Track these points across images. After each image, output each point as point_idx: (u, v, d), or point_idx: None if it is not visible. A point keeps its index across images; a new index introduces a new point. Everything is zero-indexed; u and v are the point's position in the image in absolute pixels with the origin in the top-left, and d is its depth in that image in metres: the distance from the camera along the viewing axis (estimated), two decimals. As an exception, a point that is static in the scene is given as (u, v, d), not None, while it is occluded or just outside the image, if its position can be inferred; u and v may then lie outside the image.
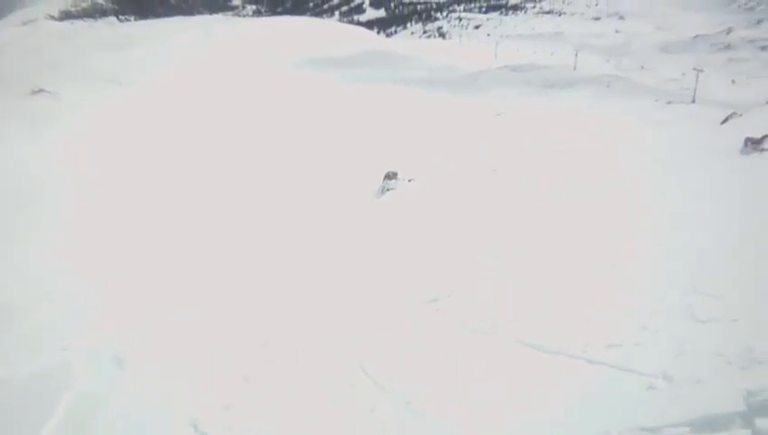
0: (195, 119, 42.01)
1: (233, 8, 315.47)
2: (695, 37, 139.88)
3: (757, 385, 5.80)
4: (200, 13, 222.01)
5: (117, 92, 51.32)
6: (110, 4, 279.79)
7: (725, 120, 28.77)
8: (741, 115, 28.38)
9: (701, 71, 51.37)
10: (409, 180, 23.33)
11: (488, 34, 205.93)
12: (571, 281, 10.03)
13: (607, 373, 6.99)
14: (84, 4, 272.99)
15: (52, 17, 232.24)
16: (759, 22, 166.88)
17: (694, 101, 44.89)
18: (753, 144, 19.16)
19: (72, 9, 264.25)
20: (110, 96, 48.98)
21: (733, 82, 58.91)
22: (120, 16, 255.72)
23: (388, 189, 22.85)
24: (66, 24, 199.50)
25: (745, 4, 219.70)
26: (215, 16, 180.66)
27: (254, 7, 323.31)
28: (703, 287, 8.58)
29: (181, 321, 10.86)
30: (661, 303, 8.45)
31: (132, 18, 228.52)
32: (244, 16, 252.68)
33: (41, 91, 46.94)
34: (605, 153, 23.31)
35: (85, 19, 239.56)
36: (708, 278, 8.95)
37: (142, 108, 45.01)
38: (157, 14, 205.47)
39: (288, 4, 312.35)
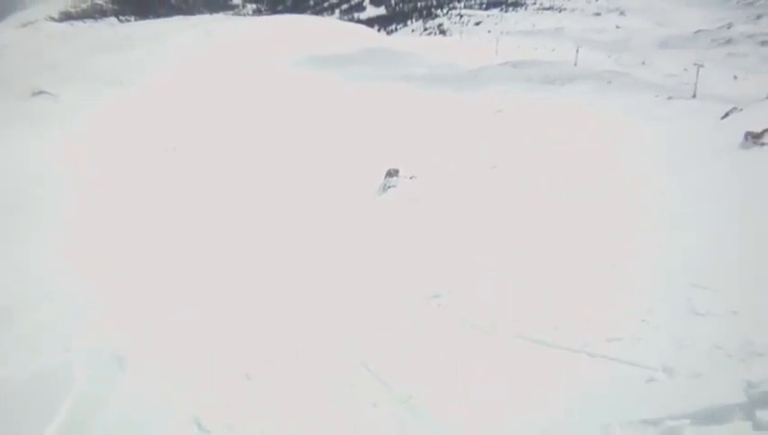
0: (196, 119, 42.07)
1: (233, 7, 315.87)
2: (695, 32, 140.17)
3: (757, 377, 5.82)
4: (200, 12, 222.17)
5: (117, 94, 51.28)
6: (110, 5, 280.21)
7: (726, 115, 28.74)
8: (741, 110, 28.36)
9: (702, 66, 51.36)
10: (411, 178, 23.38)
11: (489, 31, 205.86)
12: (571, 279, 10.04)
13: (607, 367, 7.00)
14: (84, 5, 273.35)
15: (53, 19, 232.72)
16: (759, 17, 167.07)
17: (694, 97, 44.87)
18: (753, 138, 19.17)
19: (72, 10, 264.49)
20: (111, 97, 48.97)
21: (735, 77, 58.94)
22: (121, 17, 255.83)
23: (389, 187, 22.91)
24: (66, 25, 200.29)
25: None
26: (215, 16, 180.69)
27: (254, 6, 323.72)
28: (703, 283, 8.58)
29: (181, 321, 10.84)
30: (661, 299, 8.46)
31: (132, 19, 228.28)
32: (245, 15, 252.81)
33: (41, 92, 46.98)
34: (605, 153, 23.32)
35: (85, 20, 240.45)
36: (708, 274, 8.96)
37: (143, 109, 45.05)
38: (157, 15, 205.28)
39: (288, 3, 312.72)
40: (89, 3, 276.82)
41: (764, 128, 19.12)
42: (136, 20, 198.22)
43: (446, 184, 21.81)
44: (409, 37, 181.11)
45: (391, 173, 23.77)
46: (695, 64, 52.99)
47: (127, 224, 19.38)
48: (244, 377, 8.61)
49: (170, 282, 13.51)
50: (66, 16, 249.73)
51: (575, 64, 69.65)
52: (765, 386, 5.66)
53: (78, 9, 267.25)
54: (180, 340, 10.03)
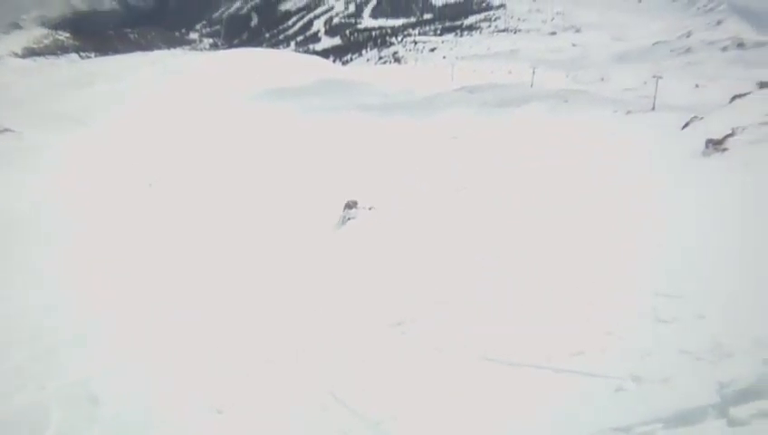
0: (155, 157, 41.97)
1: (190, 42, 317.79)
2: (654, 44, 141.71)
3: (728, 377, 5.84)
4: (159, 48, 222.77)
5: (81, 132, 51.28)
6: (72, 41, 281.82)
7: (686, 125, 29.04)
8: (701, 118, 28.66)
9: (660, 78, 51.84)
10: (369, 208, 23.38)
11: (444, 57, 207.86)
12: (534, 296, 10.05)
13: (575, 381, 6.95)
14: (47, 41, 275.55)
15: (16, 54, 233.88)
16: (719, 23, 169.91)
17: (654, 109, 45.26)
18: (713, 145, 19.37)
19: (35, 46, 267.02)
20: (74, 136, 49.00)
21: (696, 85, 59.51)
22: (81, 53, 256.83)
23: (348, 219, 22.92)
24: (29, 61, 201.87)
25: (705, 5, 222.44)
26: (173, 51, 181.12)
27: (210, 40, 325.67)
28: (669, 291, 8.63)
29: (148, 362, 10.67)
30: (630, 310, 8.48)
31: (93, 55, 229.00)
32: (202, 50, 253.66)
33: (6, 130, 46.94)
34: (566, 171, 23.43)
35: (47, 56, 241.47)
36: (675, 282, 9.03)
37: (105, 148, 45.03)
38: (116, 50, 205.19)
39: (244, 36, 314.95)
40: (51, 39, 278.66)
41: (725, 133, 19.34)
42: (96, 56, 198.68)
43: (404, 213, 21.81)
44: (365, 66, 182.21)
45: (350, 205, 23.82)
46: (653, 77, 53.52)
47: (92, 271, 19.17)
48: (216, 411, 8.48)
49: (127, 332, 13.26)
50: (29, 52, 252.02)
51: (531, 85, 70.18)
52: (737, 385, 5.68)
53: (41, 45, 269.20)
54: (147, 380, 9.87)
